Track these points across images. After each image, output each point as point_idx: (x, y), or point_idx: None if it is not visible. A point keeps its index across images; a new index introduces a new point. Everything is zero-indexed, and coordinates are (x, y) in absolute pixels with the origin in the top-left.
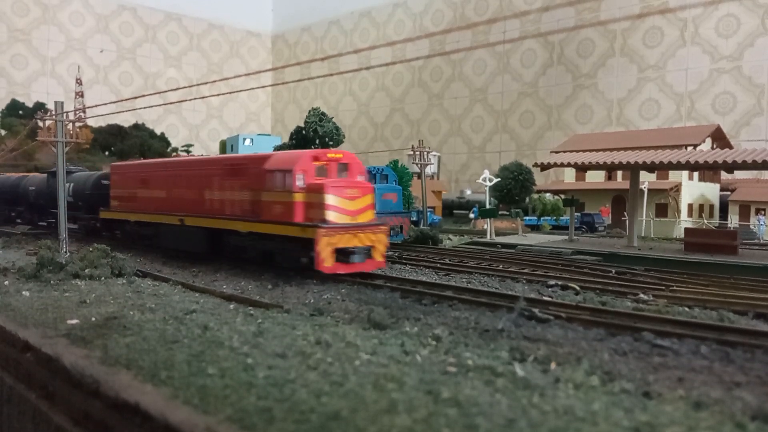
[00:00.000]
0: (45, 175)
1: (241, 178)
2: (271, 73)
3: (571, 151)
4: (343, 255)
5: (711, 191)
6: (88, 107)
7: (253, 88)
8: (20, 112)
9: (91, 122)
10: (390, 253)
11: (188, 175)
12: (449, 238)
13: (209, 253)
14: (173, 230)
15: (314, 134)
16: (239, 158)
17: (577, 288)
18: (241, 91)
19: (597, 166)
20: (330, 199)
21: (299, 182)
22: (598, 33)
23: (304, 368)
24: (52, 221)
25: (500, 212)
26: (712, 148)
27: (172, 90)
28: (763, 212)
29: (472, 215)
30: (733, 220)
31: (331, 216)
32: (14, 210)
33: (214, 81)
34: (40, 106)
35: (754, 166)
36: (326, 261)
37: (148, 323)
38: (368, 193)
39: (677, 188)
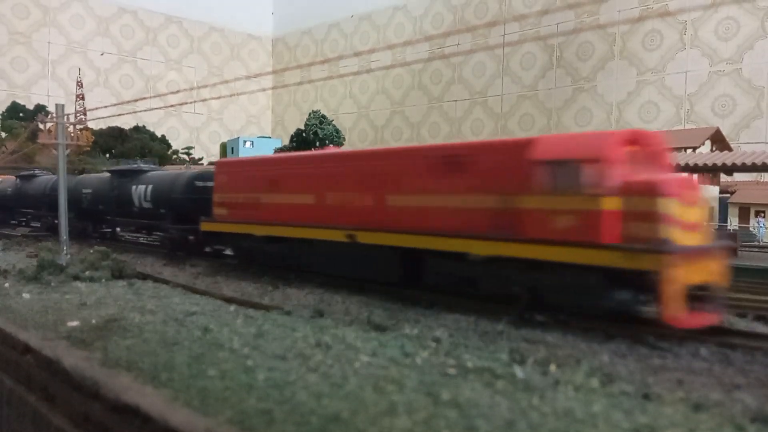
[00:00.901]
0: (106, 174)
1: (471, 174)
2: (272, 75)
3: None
4: (695, 298)
5: (710, 194)
6: (89, 110)
7: (253, 91)
8: (21, 114)
9: (91, 125)
10: None
11: (360, 172)
12: None
13: (400, 283)
14: (336, 250)
15: (314, 137)
16: (464, 147)
17: None
18: (241, 93)
19: None
20: (671, 206)
21: (608, 179)
22: (597, 36)
23: (304, 370)
24: (122, 234)
25: None
26: (712, 150)
27: (172, 93)
28: (762, 214)
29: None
30: (733, 223)
31: (674, 234)
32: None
33: (215, 84)
34: (40, 109)
35: (754, 168)
36: (677, 308)
37: (148, 325)
38: (703, 197)
39: None
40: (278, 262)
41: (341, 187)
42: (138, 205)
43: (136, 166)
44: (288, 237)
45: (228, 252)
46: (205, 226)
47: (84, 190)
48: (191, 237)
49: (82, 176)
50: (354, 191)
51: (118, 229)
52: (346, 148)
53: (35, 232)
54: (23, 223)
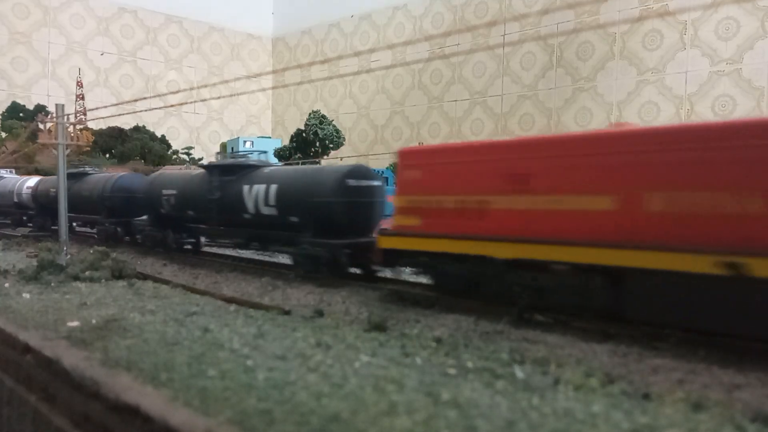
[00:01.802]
0: (197, 170)
1: None
2: (272, 75)
3: None
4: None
5: None
6: (89, 110)
7: (253, 91)
8: (21, 114)
9: (91, 125)
10: None
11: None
12: None
13: None
14: (697, 290)
15: (314, 137)
16: None
17: None
18: (241, 93)
19: None
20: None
21: None
22: (597, 36)
23: (304, 370)
24: (209, 244)
25: None
26: None
27: (172, 93)
28: None
29: None
30: None
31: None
32: (125, 222)
33: (215, 84)
34: (40, 109)
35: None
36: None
37: (148, 325)
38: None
39: None
40: (535, 300)
41: (688, 183)
42: (253, 211)
43: (244, 159)
44: (559, 262)
45: (420, 272)
46: (388, 242)
47: (165, 191)
48: (343, 253)
49: (161, 173)
50: (723, 189)
51: (203, 239)
52: (346, 148)
53: (98, 243)
54: (72, 230)
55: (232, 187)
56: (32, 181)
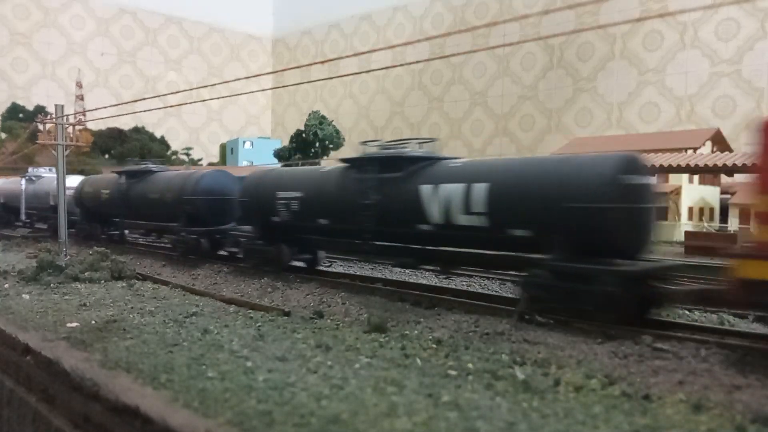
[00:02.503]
0: (335, 167)
1: None
2: (272, 76)
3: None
4: None
5: (711, 194)
6: (89, 110)
7: (253, 92)
8: (21, 115)
9: (91, 125)
10: None
11: None
12: None
13: None
14: None
15: (314, 137)
16: None
17: None
18: (241, 94)
19: None
20: None
21: None
22: (598, 36)
23: (304, 371)
24: (331, 260)
25: None
26: (712, 151)
27: (172, 93)
28: None
29: None
30: (734, 224)
31: None
32: (210, 232)
33: (214, 84)
34: (40, 110)
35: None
36: None
37: (147, 326)
38: None
39: (677, 191)
40: None
41: None
42: (438, 221)
43: (411, 151)
44: None
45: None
46: (757, 269)
47: (282, 194)
48: (634, 288)
49: (271, 170)
50: None
51: (322, 253)
52: (346, 148)
53: (176, 257)
54: (122, 239)
55: (398, 187)
56: (71, 180)
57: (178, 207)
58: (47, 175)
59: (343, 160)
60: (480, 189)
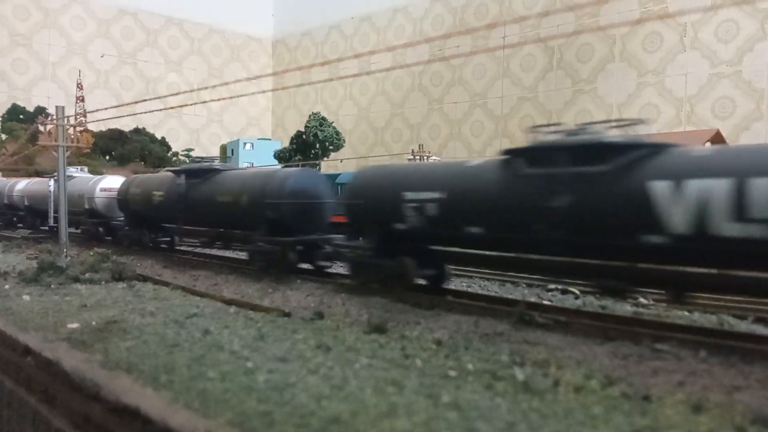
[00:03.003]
0: (472, 160)
1: None
2: (272, 77)
3: None
4: None
5: None
6: (89, 112)
7: (253, 93)
8: (21, 116)
9: (91, 126)
10: None
11: None
12: None
13: None
14: None
15: (314, 139)
16: None
17: (577, 292)
18: (241, 95)
19: None
20: None
21: None
22: (597, 38)
23: (304, 372)
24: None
25: None
26: None
27: (172, 94)
28: None
29: None
30: None
31: None
32: (299, 243)
33: (215, 86)
34: (40, 111)
35: None
36: None
37: (148, 327)
38: None
39: None
40: None
41: None
42: (690, 229)
43: (623, 138)
44: None
45: None
46: None
47: (412, 194)
48: None
49: (387, 165)
50: None
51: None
52: (346, 150)
53: (256, 271)
54: (170, 247)
55: (606, 185)
56: (109, 181)
57: (257, 212)
58: (79, 175)
59: (508, 152)
60: (760, 186)
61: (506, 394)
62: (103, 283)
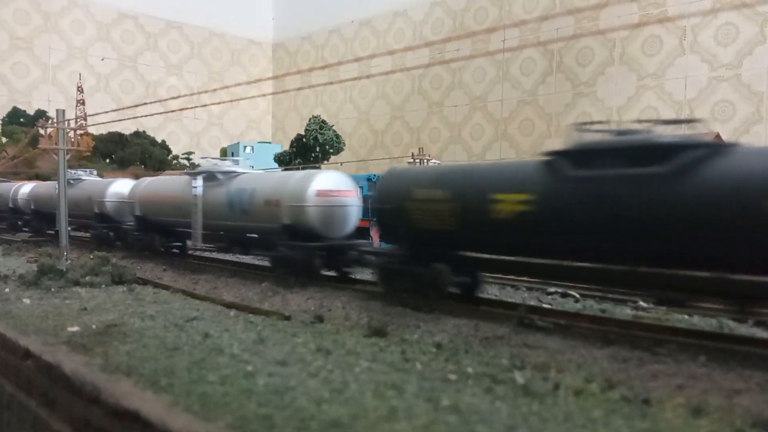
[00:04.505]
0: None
1: None
2: (272, 81)
3: None
4: None
5: None
6: (90, 115)
7: (253, 96)
8: (21, 119)
9: (92, 130)
10: None
11: None
12: None
13: None
14: None
15: (315, 142)
16: None
17: (577, 296)
18: (241, 99)
19: None
20: None
21: None
22: (597, 41)
23: (304, 375)
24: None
25: None
26: None
27: (173, 98)
28: None
29: None
30: None
31: None
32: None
33: (215, 89)
34: (41, 114)
35: None
36: None
37: (148, 330)
38: None
39: None
40: None
41: None
42: None
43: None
44: None
45: None
46: None
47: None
48: None
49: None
50: None
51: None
52: (346, 153)
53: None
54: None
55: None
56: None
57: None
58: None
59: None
60: None
61: (506, 398)
62: (103, 286)
